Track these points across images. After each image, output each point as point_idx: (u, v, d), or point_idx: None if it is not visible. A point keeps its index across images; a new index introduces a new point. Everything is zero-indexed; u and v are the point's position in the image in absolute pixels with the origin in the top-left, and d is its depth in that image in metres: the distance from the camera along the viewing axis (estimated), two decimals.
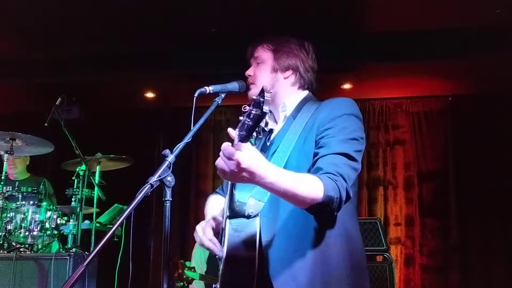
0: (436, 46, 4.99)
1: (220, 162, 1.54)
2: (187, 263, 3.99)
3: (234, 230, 1.77)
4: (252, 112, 1.44)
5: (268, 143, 2.05)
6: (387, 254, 4.34)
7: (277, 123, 2.11)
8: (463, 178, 5.91)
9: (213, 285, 1.98)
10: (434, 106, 6.19)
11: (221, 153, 1.52)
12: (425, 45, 5.01)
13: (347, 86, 5.94)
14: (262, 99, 1.42)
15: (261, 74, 2.12)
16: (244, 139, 1.47)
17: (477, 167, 5.84)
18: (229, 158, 1.50)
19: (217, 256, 1.98)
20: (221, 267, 1.79)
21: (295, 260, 1.79)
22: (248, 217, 1.77)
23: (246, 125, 1.45)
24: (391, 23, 4.80)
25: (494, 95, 5.76)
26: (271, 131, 2.09)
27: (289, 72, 2.12)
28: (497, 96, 5.76)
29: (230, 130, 1.53)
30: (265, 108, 1.41)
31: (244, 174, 1.53)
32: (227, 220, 1.79)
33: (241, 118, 1.47)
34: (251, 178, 1.56)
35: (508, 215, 5.60)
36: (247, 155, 1.50)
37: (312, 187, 1.67)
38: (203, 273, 4.07)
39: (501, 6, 4.36)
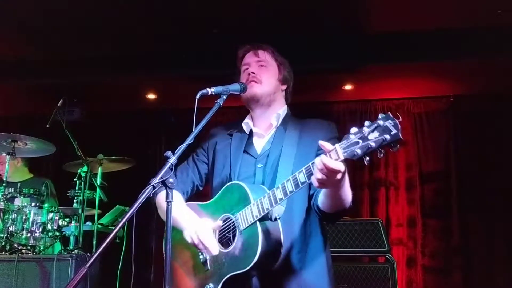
0: (438, 47, 4.99)
1: (325, 173, 1.64)
2: None
3: (265, 231, 1.90)
4: (377, 135, 1.52)
5: (254, 145, 2.19)
6: (389, 255, 4.33)
7: (263, 129, 2.23)
8: (465, 178, 5.90)
9: (206, 286, 1.99)
10: (435, 107, 6.19)
11: (325, 166, 1.62)
12: (426, 46, 5.01)
13: (348, 87, 5.93)
14: (393, 125, 1.51)
15: (269, 78, 2.23)
16: (356, 158, 1.56)
17: (479, 168, 5.83)
18: (335, 171, 1.62)
19: (201, 257, 2.06)
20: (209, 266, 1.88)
21: (297, 261, 2.00)
22: (275, 219, 1.91)
23: (364, 145, 1.54)
24: (392, 23, 4.80)
25: (496, 95, 5.76)
26: (251, 133, 2.23)
27: (285, 86, 2.30)
28: (499, 96, 5.75)
29: (324, 143, 1.66)
30: (400, 135, 1.50)
31: (341, 182, 1.72)
32: (257, 222, 1.90)
33: (352, 136, 1.57)
34: (340, 183, 1.73)
35: (510, 215, 5.58)
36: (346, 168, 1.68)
37: (351, 196, 1.89)
38: None
39: (502, 7, 4.36)
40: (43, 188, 3.98)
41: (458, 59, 5.19)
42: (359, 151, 1.54)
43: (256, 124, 2.26)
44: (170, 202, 1.76)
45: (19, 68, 5.58)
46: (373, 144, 1.51)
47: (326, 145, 1.64)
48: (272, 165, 2.08)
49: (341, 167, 1.62)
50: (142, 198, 1.68)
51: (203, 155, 2.34)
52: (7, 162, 3.95)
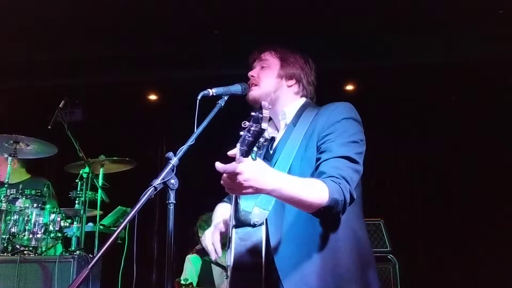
0: (438, 47, 4.99)
1: (225, 179, 1.57)
2: (184, 281, 4.00)
3: (240, 239, 1.79)
4: (252, 128, 1.46)
5: (270, 152, 2.07)
6: (391, 255, 4.34)
7: (278, 131, 2.14)
8: (466, 178, 5.90)
9: None
10: (436, 107, 6.17)
11: (223, 171, 1.55)
12: (426, 46, 5.01)
13: (349, 87, 5.94)
14: (261, 115, 1.44)
15: (266, 78, 2.15)
16: (245, 154, 1.50)
17: (481, 168, 5.83)
18: (232, 173, 1.53)
19: (227, 265, 1.99)
20: (228, 274, 1.81)
21: (305, 264, 1.81)
22: (254, 226, 1.79)
23: (246, 140, 1.47)
24: (392, 23, 4.80)
25: (496, 95, 5.75)
26: (273, 139, 2.11)
27: (292, 81, 2.18)
28: (499, 96, 5.74)
29: (231, 151, 1.57)
30: (264, 125, 1.43)
31: (250, 184, 1.56)
32: (233, 230, 1.80)
33: (242, 133, 1.49)
34: (258, 188, 1.59)
35: (510, 215, 5.57)
36: (249, 166, 1.53)
37: (317, 191, 1.70)
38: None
39: (503, 7, 4.37)
40: (44, 189, 3.98)
41: (458, 59, 5.19)
42: (244, 147, 1.49)
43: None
44: (171, 203, 1.77)
45: (20, 70, 5.58)
46: (250, 138, 1.46)
47: (232, 151, 1.56)
48: (273, 166, 1.95)
49: (235, 168, 1.51)
50: (143, 199, 1.69)
51: None
52: (9, 163, 3.95)
